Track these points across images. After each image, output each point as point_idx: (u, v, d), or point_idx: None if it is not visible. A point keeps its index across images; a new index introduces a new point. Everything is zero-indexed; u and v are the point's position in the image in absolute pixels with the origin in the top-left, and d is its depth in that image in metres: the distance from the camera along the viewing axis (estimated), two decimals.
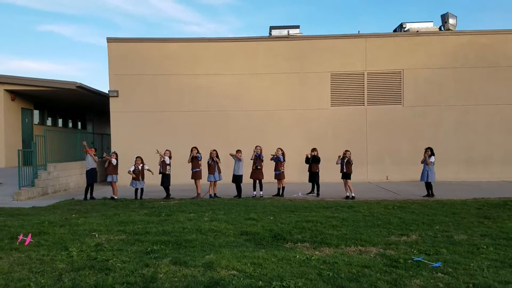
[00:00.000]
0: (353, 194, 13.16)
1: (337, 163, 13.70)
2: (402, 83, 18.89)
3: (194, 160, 13.66)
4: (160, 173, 13.78)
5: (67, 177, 16.59)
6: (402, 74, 18.86)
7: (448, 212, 10.13)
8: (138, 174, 13.56)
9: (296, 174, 17.05)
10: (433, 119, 18.77)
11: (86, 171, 13.88)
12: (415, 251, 6.57)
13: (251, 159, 13.91)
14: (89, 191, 13.68)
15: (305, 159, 14.45)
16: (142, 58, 18.70)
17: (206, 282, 5.05)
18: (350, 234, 7.79)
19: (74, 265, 5.91)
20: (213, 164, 13.58)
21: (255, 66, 18.77)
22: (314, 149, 14.40)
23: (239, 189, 13.65)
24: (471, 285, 4.88)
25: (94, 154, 14.00)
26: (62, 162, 16.44)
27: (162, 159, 13.70)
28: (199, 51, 18.85)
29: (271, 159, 14.02)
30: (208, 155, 13.83)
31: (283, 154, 13.98)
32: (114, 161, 13.85)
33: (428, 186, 13.43)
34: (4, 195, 13.93)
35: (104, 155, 15.11)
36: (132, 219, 9.58)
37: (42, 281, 5.22)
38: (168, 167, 13.67)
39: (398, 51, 18.84)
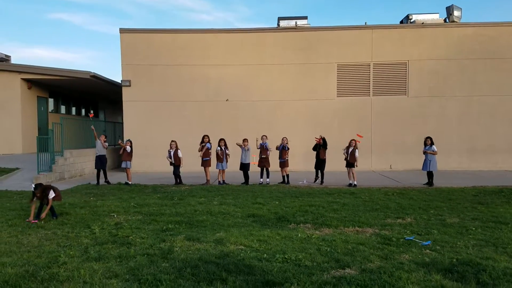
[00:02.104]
0: (355, 182, 13.67)
1: (344, 154, 14.18)
2: (407, 74, 19.27)
3: (205, 148, 14.23)
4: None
5: (82, 163, 17.31)
6: (407, 65, 19.23)
7: (445, 198, 10.66)
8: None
9: (301, 162, 17.63)
10: (437, 109, 19.16)
11: (96, 157, 14.58)
12: (408, 232, 7.14)
13: (258, 148, 14.49)
14: (101, 176, 14.41)
15: (313, 146, 14.81)
16: (154, 48, 19.25)
17: (217, 254, 5.67)
18: (349, 217, 8.37)
19: (98, 240, 6.57)
20: (222, 153, 14.16)
21: (263, 57, 19.24)
22: (320, 136, 14.79)
23: (246, 176, 14.23)
24: (454, 260, 5.43)
25: (104, 141, 14.65)
26: (77, 149, 17.14)
27: (123, 149, 14.50)
28: (209, 42, 19.35)
29: (277, 148, 14.54)
30: (217, 144, 14.37)
31: (287, 143, 14.55)
32: (128, 148, 14.50)
33: (430, 175, 13.79)
34: (23, 179, 14.67)
35: (119, 141, 15.74)
36: (147, 202, 10.26)
37: (71, 253, 5.87)
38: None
39: (404, 42, 19.18)
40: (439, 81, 19.12)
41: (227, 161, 14.36)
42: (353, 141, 13.98)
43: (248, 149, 14.39)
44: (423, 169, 14.09)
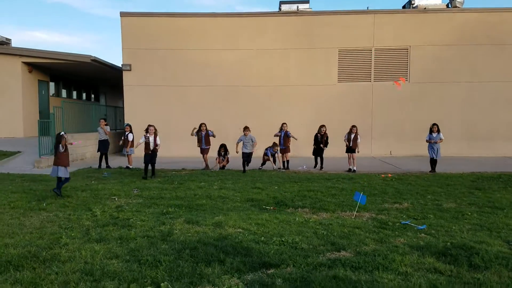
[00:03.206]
0: (355, 168, 13.76)
1: (344, 140, 14.22)
2: (408, 59, 19.19)
3: (207, 137, 14.14)
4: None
5: (84, 147, 17.39)
6: (409, 50, 19.14)
7: (443, 184, 10.76)
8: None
9: (302, 148, 17.66)
10: (439, 95, 19.13)
11: (99, 141, 14.84)
12: (404, 216, 7.25)
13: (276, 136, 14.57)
14: (103, 160, 14.57)
15: (314, 139, 14.71)
16: (154, 32, 19.16)
17: (216, 237, 5.79)
18: (347, 202, 8.48)
19: (99, 222, 6.69)
20: (221, 160, 14.20)
21: (264, 41, 19.15)
22: (323, 126, 14.71)
23: (245, 165, 13.55)
24: (448, 243, 5.53)
25: (105, 125, 14.87)
26: (78, 132, 17.21)
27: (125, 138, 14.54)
28: (209, 26, 19.25)
29: (275, 135, 14.55)
30: (219, 146, 14.34)
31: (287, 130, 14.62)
32: (131, 136, 14.54)
33: (435, 162, 13.48)
34: (25, 162, 14.78)
35: (121, 142, 15.46)
36: (147, 186, 10.37)
37: (72, 234, 5.99)
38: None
39: (406, 27, 19.07)
40: (440, 67, 19.05)
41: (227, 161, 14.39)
42: (354, 128, 14.02)
43: (249, 138, 13.72)
44: (436, 157, 13.44)
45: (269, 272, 4.51)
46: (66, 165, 9.18)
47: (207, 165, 14.24)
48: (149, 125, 12.57)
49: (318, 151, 14.65)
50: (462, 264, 4.70)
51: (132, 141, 14.68)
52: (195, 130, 14.15)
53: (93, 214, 7.28)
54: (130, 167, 14.25)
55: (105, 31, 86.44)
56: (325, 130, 14.58)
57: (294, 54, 19.20)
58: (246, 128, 13.81)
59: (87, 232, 6.11)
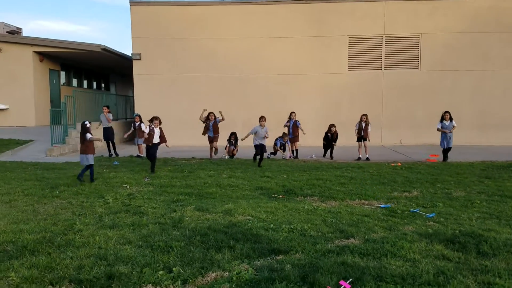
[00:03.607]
0: (367, 155, 13.71)
1: (355, 130, 14.16)
2: (419, 47, 19.00)
3: (215, 125, 14.04)
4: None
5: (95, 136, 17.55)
6: (420, 38, 18.93)
7: (453, 173, 10.72)
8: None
9: (311, 137, 17.64)
10: (450, 84, 18.95)
11: (103, 129, 14.96)
12: (413, 205, 7.27)
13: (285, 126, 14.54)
14: (111, 147, 14.78)
15: (324, 137, 14.65)
16: (163, 21, 19.17)
17: (225, 224, 5.87)
18: (356, 190, 8.50)
19: (111, 210, 6.82)
20: (232, 149, 14.21)
21: (274, 29, 19.06)
22: (333, 125, 14.55)
23: (256, 156, 12.84)
24: (457, 231, 5.55)
25: (108, 112, 15.00)
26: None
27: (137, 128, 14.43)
28: (219, 15, 19.19)
29: (284, 126, 14.56)
30: (230, 134, 14.46)
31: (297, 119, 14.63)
32: (143, 126, 14.54)
33: (448, 150, 13.30)
34: (37, 151, 15.00)
35: (129, 132, 15.46)
36: (158, 175, 10.49)
37: (86, 220, 6.12)
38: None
39: (417, 15, 18.84)
40: (452, 55, 18.83)
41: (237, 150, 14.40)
42: (364, 116, 13.94)
43: (266, 129, 12.69)
44: (447, 146, 13.23)
45: (278, 258, 4.59)
46: (93, 152, 9.70)
47: (211, 155, 14.16)
48: (154, 117, 11.71)
49: (328, 146, 14.61)
50: (470, 251, 4.73)
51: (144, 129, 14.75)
52: (205, 113, 13.97)
53: (106, 202, 7.41)
54: (141, 155, 14.39)
55: (114, 20, 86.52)
56: (335, 129, 14.50)
57: (304, 42, 19.10)
58: (262, 118, 12.70)
59: (100, 219, 6.23)
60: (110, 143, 14.89)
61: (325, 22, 19.05)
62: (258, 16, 19.14)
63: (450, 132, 13.23)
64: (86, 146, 9.59)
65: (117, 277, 4.04)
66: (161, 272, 4.14)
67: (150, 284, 3.91)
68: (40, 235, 5.37)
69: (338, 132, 14.62)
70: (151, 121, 11.68)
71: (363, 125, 13.89)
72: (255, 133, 12.69)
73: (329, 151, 14.59)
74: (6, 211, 6.76)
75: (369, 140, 14.04)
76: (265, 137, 12.59)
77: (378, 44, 19.16)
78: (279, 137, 14.34)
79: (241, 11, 19.22)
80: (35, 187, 8.73)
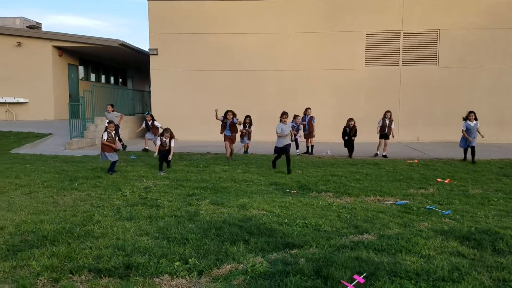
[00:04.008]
0: (384, 153, 13.50)
1: (378, 127, 13.77)
2: (438, 43, 18.74)
3: (232, 125, 12.96)
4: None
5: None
6: (438, 34, 18.67)
7: (470, 170, 10.61)
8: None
9: (326, 133, 17.63)
10: (468, 80, 18.67)
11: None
12: (429, 201, 7.23)
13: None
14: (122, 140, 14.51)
15: (343, 132, 13.85)
16: (180, 17, 19.27)
17: (240, 218, 5.93)
18: (371, 187, 8.48)
19: (129, 202, 6.94)
20: (245, 132, 14.10)
21: (288, 25, 19.00)
22: (351, 119, 13.77)
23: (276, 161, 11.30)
24: (473, 228, 5.52)
25: (112, 111, 14.67)
26: None
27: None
28: (234, 10, 19.21)
29: (298, 123, 14.48)
30: (243, 119, 14.19)
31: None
32: (157, 123, 14.63)
33: (472, 149, 12.40)
34: (56, 144, 15.28)
35: (141, 128, 15.54)
36: (173, 169, 10.61)
37: (104, 212, 6.25)
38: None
39: (435, 10, 18.57)
40: (470, 51, 18.53)
41: (249, 138, 14.24)
42: (388, 113, 13.56)
43: (289, 126, 11.23)
44: (470, 144, 12.41)
45: (292, 252, 4.63)
46: (109, 150, 10.06)
47: (228, 157, 12.84)
48: (165, 130, 10.90)
49: (349, 142, 13.98)
50: (485, 249, 4.70)
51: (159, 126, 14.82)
52: (219, 112, 12.97)
53: (123, 194, 7.54)
54: (148, 149, 14.36)
55: (132, 15, 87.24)
56: (354, 123, 13.90)
57: (320, 38, 19.00)
58: (285, 115, 11.10)
59: (118, 211, 6.36)
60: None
61: (342, 18, 18.91)
62: (273, 11, 19.10)
63: (474, 138, 12.45)
64: (102, 144, 10.06)
65: (135, 267, 4.14)
66: (177, 263, 4.23)
67: (167, 275, 4.00)
68: (60, 225, 5.50)
69: (356, 128, 14.01)
70: (162, 134, 10.91)
71: (387, 122, 13.49)
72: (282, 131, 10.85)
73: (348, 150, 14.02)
74: (27, 202, 6.93)
75: (393, 137, 13.70)
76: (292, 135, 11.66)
77: (396, 40, 18.95)
78: (291, 121, 14.26)
79: (257, 6, 19.20)
80: (54, 179, 8.93)
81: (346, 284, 3.68)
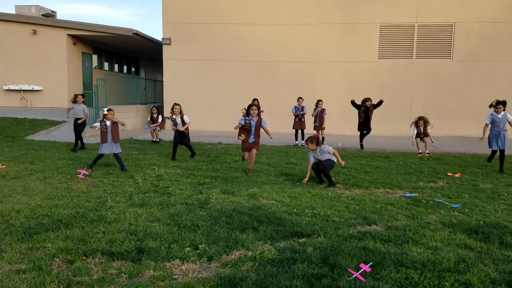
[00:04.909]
0: (427, 151, 12.54)
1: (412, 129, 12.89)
2: (453, 36, 18.51)
3: (258, 126, 11.64)
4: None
5: (125, 119, 17.90)
6: (453, 27, 18.44)
7: (481, 165, 10.54)
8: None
9: (338, 126, 17.61)
10: (483, 74, 18.44)
11: (76, 119, 12.36)
12: (438, 195, 7.23)
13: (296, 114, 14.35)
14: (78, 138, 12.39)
15: (358, 124, 13.33)
16: (194, 6, 19.29)
17: (250, 207, 6.03)
18: (381, 179, 8.50)
19: (141, 189, 7.08)
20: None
21: (303, 16, 18.91)
22: (368, 99, 13.48)
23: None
24: (481, 222, 5.53)
25: (83, 102, 12.59)
26: (120, 105, 17.82)
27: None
28: (249, 0, 19.16)
29: (312, 115, 14.48)
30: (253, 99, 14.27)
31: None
32: (160, 118, 14.80)
33: (502, 153, 9.94)
34: (70, 132, 15.42)
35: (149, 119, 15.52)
36: (185, 158, 10.73)
37: (117, 198, 6.39)
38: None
39: (451, 2, 18.32)
40: (486, 45, 18.27)
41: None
42: (421, 121, 12.44)
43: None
44: (501, 147, 9.94)
45: (300, 240, 4.70)
46: (103, 141, 9.27)
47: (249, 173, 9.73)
48: (174, 104, 10.91)
49: (364, 127, 13.43)
50: (493, 242, 4.72)
51: (161, 121, 14.96)
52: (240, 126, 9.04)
53: (135, 182, 7.69)
54: (155, 140, 14.46)
55: (145, 4, 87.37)
56: (371, 102, 13.33)
57: (333, 29, 18.90)
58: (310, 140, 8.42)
59: (130, 197, 6.49)
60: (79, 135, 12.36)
61: (356, 9, 18.76)
62: (287, 2, 19.02)
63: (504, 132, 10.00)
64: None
65: (146, 251, 4.26)
66: (187, 249, 4.33)
67: (178, 259, 4.10)
68: (74, 210, 5.65)
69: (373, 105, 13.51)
70: (172, 109, 10.90)
71: (421, 129, 12.48)
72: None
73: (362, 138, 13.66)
74: (42, 187, 7.11)
75: (432, 141, 12.79)
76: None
77: (410, 32, 18.77)
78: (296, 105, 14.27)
79: None
80: (68, 166, 9.11)
81: (352, 272, 3.74)
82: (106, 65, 25.68)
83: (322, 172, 8.08)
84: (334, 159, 8.17)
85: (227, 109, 15.98)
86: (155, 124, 14.54)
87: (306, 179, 8.20)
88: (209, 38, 19.32)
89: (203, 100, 18.90)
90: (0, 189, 6.93)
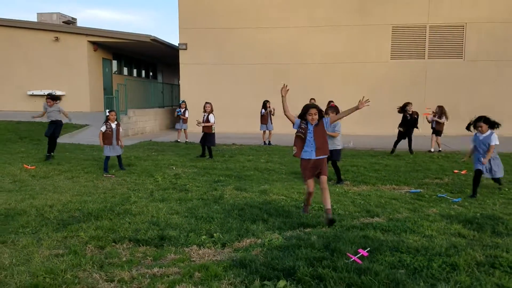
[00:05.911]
0: (440, 149, 13.31)
1: (429, 121, 13.81)
2: (464, 36, 18.69)
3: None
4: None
5: (144, 122, 18.70)
6: (465, 27, 18.62)
7: None
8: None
9: (349, 126, 17.85)
10: (494, 75, 18.56)
11: (50, 122, 11.50)
12: (442, 190, 7.60)
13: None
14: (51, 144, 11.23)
15: (401, 123, 13.11)
16: (209, 12, 19.87)
17: (261, 201, 6.51)
18: (389, 177, 8.89)
19: (160, 187, 7.64)
20: (266, 115, 14.69)
21: (315, 18, 19.30)
22: (409, 103, 13.13)
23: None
24: (478, 214, 5.89)
25: (54, 104, 11.48)
26: (139, 108, 18.50)
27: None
28: (262, 4, 19.66)
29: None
30: (261, 105, 14.82)
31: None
32: (187, 113, 15.45)
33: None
34: (92, 135, 16.19)
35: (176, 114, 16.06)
36: (201, 158, 11.27)
37: (139, 195, 6.95)
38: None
39: (462, 3, 18.52)
40: (497, 45, 18.40)
41: (271, 122, 14.84)
42: (432, 113, 13.26)
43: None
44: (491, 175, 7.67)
45: (306, 230, 5.16)
46: (107, 144, 9.40)
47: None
48: (206, 102, 11.66)
49: (406, 134, 12.98)
50: (485, 231, 5.10)
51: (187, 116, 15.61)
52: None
53: (155, 180, 8.25)
54: (187, 141, 15.24)
55: (162, 10, 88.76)
56: (411, 107, 13.01)
57: (346, 31, 19.25)
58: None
59: (151, 194, 7.05)
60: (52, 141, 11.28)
61: (368, 11, 19.10)
62: (300, 5, 19.45)
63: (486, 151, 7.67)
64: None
65: (167, 238, 4.79)
66: (204, 237, 4.84)
67: (195, 245, 4.61)
68: (102, 205, 6.22)
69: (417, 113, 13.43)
70: (204, 107, 11.64)
71: (436, 116, 13.24)
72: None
73: (402, 142, 13.08)
74: (70, 185, 7.72)
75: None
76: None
77: (422, 33, 19.02)
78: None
79: (284, 0, 19.59)
80: (93, 166, 9.74)
81: (351, 256, 4.18)
82: (125, 70, 26.50)
83: (333, 163, 8.20)
84: (340, 147, 8.41)
85: (241, 112, 16.48)
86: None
87: None
88: (224, 42, 19.87)
89: (218, 103, 19.29)
90: (32, 188, 7.56)
